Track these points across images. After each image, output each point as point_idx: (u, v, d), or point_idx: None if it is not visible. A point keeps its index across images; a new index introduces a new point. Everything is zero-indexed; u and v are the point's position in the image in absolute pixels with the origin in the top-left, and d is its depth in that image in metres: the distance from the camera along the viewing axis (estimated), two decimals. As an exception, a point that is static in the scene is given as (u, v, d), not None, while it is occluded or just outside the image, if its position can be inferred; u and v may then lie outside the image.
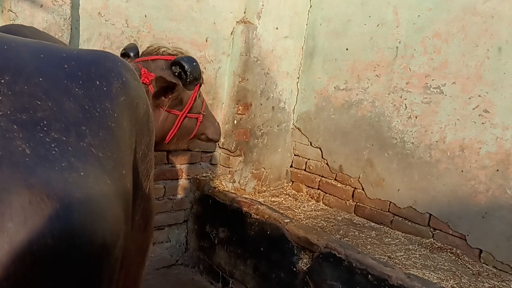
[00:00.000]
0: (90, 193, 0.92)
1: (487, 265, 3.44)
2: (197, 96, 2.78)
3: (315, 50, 4.63)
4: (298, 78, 4.78)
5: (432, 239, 3.75)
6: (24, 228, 0.79)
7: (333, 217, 4.25)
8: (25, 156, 0.86)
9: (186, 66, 2.48)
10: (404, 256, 3.42)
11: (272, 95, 4.47)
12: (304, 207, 4.54)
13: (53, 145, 0.92)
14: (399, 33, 3.95)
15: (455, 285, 3.03)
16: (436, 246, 3.67)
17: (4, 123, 0.88)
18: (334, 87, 4.47)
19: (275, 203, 4.37)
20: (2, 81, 0.95)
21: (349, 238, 3.69)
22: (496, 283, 3.17)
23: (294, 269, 3.20)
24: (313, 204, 4.66)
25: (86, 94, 1.08)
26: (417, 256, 3.45)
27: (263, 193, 4.68)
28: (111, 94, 1.14)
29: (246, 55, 4.11)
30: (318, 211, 4.42)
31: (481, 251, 3.48)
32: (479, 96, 3.48)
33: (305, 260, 3.17)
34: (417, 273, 3.02)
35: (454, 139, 3.61)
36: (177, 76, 2.52)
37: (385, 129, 4.05)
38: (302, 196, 4.83)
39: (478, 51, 3.47)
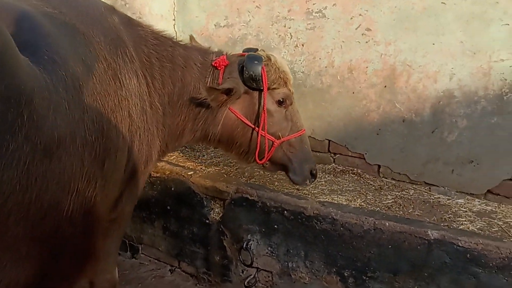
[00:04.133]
0: None
1: (386, 178, 3.60)
2: (274, 113, 2.65)
3: (187, -14, 4.26)
4: (174, 19, 4.39)
5: (334, 164, 3.82)
6: None
7: (235, 160, 4.12)
8: None
9: (245, 61, 2.50)
10: (311, 186, 3.42)
11: (149, 41, 4.06)
12: (204, 156, 4.34)
13: None
14: (274, -43, 3.75)
15: (362, 203, 3.11)
16: (339, 169, 3.75)
17: None
18: (215, 25, 4.19)
19: (172, 158, 4.10)
20: None
21: (255, 179, 3.59)
22: (397, 193, 3.33)
23: (207, 221, 3.04)
24: (212, 151, 4.46)
25: None
26: (323, 183, 3.48)
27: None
28: None
29: (112, -2, 3.62)
30: (219, 158, 4.24)
31: (379, 166, 3.62)
32: (360, 15, 3.47)
33: (216, 210, 3.02)
34: (327, 199, 3.04)
35: (342, 62, 3.61)
36: (241, 72, 2.53)
37: (273, 62, 3.92)
38: (199, 145, 4.60)
39: (354, -32, 3.42)
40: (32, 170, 1.26)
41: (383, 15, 3.38)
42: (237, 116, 2.59)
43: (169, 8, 4.31)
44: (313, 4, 3.64)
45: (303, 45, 3.75)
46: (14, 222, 1.25)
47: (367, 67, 3.51)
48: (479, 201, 3.21)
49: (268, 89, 2.56)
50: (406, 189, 3.42)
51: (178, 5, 4.35)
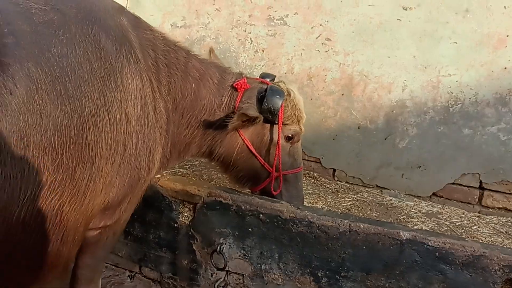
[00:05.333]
0: None
1: (340, 181, 3.79)
2: (281, 147, 2.60)
3: (142, -17, 4.14)
4: (126, 16, 4.23)
5: (291, 168, 3.93)
6: None
7: (189, 163, 4.08)
8: None
9: (267, 93, 2.45)
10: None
11: (102, 37, 3.87)
12: (154, 157, 4.23)
13: None
14: (236, -38, 3.78)
15: (324, 206, 3.26)
16: (296, 173, 3.87)
17: None
18: (171, 25, 4.11)
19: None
20: None
21: (215, 182, 3.60)
22: (353, 196, 3.53)
23: (175, 224, 2.97)
24: (162, 153, 4.36)
25: None
26: (283, 186, 3.57)
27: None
28: None
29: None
30: (172, 160, 4.17)
31: (334, 170, 3.80)
32: (321, 25, 3.63)
33: (185, 214, 2.97)
34: (292, 202, 3.13)
35: (302, 69, 3.74)
36: (259, 100, 2.49)
37: (232, 66, 3.92)
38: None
39: (317, -20, 3.57)
40: None
41: (342, 27, 3.56)
42: (244, 142, 2.57)
43: (121, 4, 4.14)
44: (275, 11, 3.73)
45: (263, 51, 3.83)
46: None
47: (326, 75, 3.67)
48: (425, 203, 3.51)
49: (282, 124, 2.57)
50: (360, 192, 3.63)
51: (131, 1, 4.20)
